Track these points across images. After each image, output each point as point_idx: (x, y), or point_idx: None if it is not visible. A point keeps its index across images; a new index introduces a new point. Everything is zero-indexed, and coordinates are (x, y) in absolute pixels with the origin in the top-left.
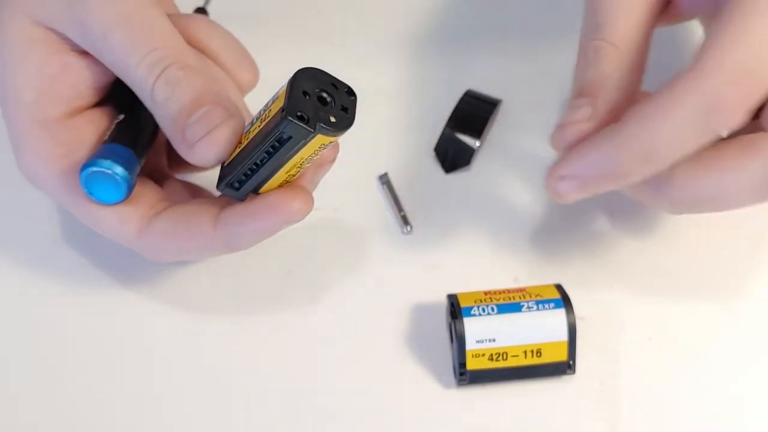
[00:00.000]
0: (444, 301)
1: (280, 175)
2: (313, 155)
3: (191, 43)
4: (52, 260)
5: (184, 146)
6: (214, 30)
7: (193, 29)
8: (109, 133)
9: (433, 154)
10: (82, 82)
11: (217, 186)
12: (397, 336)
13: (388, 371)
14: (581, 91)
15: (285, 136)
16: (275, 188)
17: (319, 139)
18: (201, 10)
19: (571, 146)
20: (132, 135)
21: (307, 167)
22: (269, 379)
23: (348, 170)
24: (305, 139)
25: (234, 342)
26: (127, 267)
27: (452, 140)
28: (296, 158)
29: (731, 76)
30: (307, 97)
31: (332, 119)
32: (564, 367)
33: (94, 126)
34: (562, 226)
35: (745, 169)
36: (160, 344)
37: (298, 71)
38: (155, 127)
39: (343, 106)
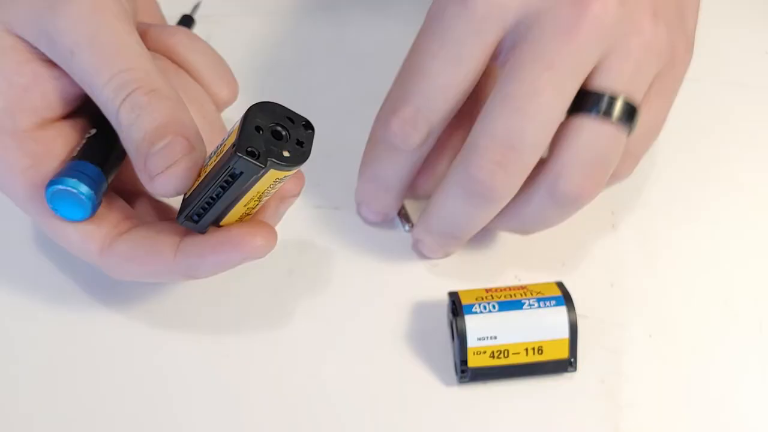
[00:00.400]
0: (445, 298)
1: (239, 209)
2: (270, 189)
3: (170, 56)
4: (31, 267)
5: (144, 176)
6: (194, 44)
7: (173, 43)
8: (78, 148)
9: None
10: (53, 93)
11: (177, 218)
12: (399, 334)
13: (389, 368)
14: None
15: (237, 172)
16: (236, 221)
17: (273, 174)
18: (187, 18)
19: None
20: (101, 152)
21: (268, 200)
22: (270, 377)
23: (349, 168)
24: (256, 174)
25: (235, 341)
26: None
27: None
28: (251, 192)
29: (483, 162)
30: (260, 131)
31: (285, 154)
32: (565, 365)
33: (64, 139)
34: (563, 224)
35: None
36: (157, 343)
37: (252, 106)
38: None
39: (298, 140)
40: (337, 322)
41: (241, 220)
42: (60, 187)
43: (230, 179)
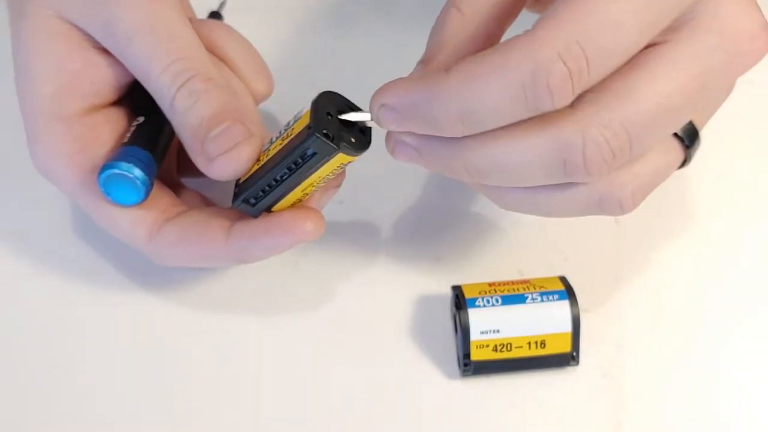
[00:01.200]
0: (448, 292)
1: (296, 194)
2: (330, 175)
3: (210, 49)
4: (57, 254)
5: (202, 159)
6: (233, 38)
7: (214, 37)
8: (128, 135)
9: None
10: (102, 80)
11: (233, 202)
12: (402, 327)
13: (392, 362)
14: (422, 58)
15: (309, 152)
16: (287, 207)
17: (340, 158)
18: (215, 14)
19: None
20: (151, 138)
21: (314, 191)
22: (274, 369)
23: (353, 163)
24: (329, 156)
25: (240, 333)
26: (129, 261)
27: None
28: (314, 176)
29: (563, 50)
30: (330, 117)
31: (352, 139)
32: (568, 359)
33: (111, 125)
34: (566, 219)
35: (531, 136)
36: (164, 337)
37: (320, 94)
38: (172, 133)
39: (361, 128)
40: (341, 315)
41: (292, 206)
42: (115, 171)
43: (300, 160)
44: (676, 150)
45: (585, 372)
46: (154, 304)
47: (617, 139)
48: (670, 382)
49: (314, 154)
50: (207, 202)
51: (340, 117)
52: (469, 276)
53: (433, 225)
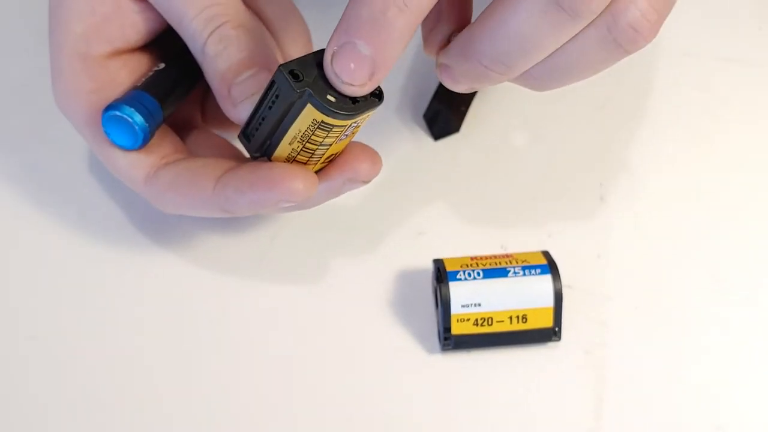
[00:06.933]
0: (430, 266)
1: (284, 146)
2: (312, 135)
3: (248, 4)
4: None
5: (228, 103)
6: (276, 1)
7: None
8: (144, 79)
9: (422, 121)
10: (131, 26)
11: (239, 134)
12: (383, 301)
13: (372, 335)
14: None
15: (276, 92)
16: (284, 161)
17: (310, 113)
18: None
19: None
20: (165, 87)
21: (334, 172)
22: (252, 344)
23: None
24: (291, 99)
25: (216, 307)
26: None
27: (441, 107)
28: (293, 130)
29: None
30: (322, 69)
31: (330, 97)
32: (549, 334)
33: (130, 69)
34: (550, 194)
35: None
36: (135, 311)
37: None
38: (191, 84)
39: (356, 98)
40: (321, 289)
41: (289, 162)
42: (116, 113)
43: (275, 99)
44: None
45: (567, 348)
46: (119, 278)
47: None
48: (652, 360)
49: (278, 95)
50: (219, 149)
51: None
52: (452, 251)
53: (416, 199)
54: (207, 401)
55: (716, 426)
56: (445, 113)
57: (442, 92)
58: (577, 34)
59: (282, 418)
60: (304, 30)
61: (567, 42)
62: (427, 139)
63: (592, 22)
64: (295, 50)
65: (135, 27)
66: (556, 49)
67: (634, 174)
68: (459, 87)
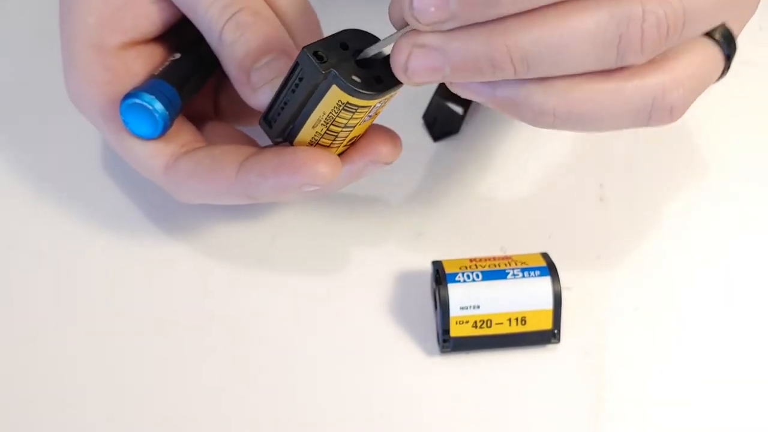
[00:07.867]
0: (429, 268)
1: (307, 130)
2: (336, 117)
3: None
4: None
5: (247, 89)
6: None
7: None
8: (161, 69)
9: (421, 121)
10: (145, 17)
11: (259, 120)
12: (382, 302)
13: (371, 337)
14: None
15: (300, 75)
16: (307, 144)
17: (336, 94)
18: None
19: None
20: (182, 76)
21: (357, 155)
22: (251, 345)
23: None
24: (317, 80)
25: (215, 307)
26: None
27: (441, 108)
28: (318, 112)
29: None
30: (346, 50)
31: (355, 78)
32: (549, 336)
33: (145, 60)
34: (550, 196)
35: (585, 10)
36: (136, 310)
37: (351, 28)
38: (207, 74)
39: (379, 77)
40: (320, 291)
41: (311, 145)
42: (136, 100)
43: (299, 82)
44: (717, 56)
45: (566, 350)
46: (122, 274)
47: (674, 15)
48: (652, 362)
49: (302, 78)
50: (234, 139)
51: (357, 59)
52: (451, 253)
53: (415, 200)
54: (207, 401)
55: (716, 427)
56: (444, 114)
57: (442, 93)
58: (620, 81)
59: (282, 419)
60: (315, 21)
61: (605, 81)
62: (426, 140)
63: (639, 90)
64: (307, 41)
65: (149, 17)
66: (590, 95)
67: (634, 175)
68: (465, 92)
